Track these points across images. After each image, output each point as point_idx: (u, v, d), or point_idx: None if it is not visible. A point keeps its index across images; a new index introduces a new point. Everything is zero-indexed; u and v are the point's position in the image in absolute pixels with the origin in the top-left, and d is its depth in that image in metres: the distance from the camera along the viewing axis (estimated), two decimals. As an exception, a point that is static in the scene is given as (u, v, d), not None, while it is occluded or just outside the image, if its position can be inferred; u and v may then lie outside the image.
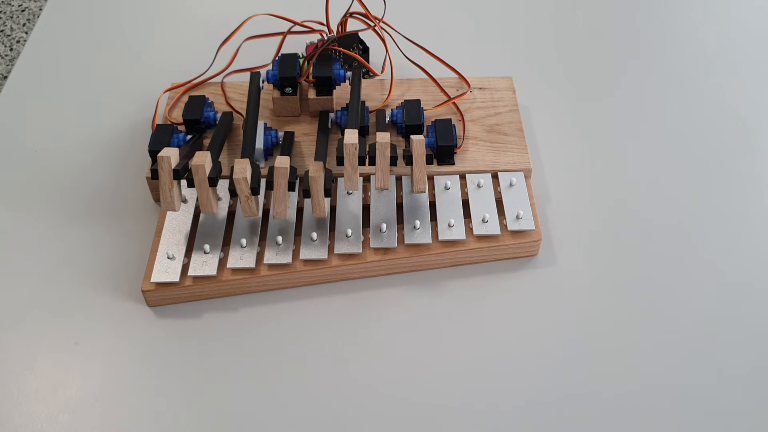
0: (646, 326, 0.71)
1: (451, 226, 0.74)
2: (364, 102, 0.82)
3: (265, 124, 0.80)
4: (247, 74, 0.85)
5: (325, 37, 0.85)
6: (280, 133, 0.80)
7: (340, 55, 0.86)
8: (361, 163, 0.70)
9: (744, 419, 0.65)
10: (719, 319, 0.71)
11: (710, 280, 0.74)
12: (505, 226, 0.75)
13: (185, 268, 0.71)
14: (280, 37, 0.86)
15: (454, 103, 0.84)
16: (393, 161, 0.71)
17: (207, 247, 0.72)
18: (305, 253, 0.72)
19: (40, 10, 2.26)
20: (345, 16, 0.84)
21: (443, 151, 0.78)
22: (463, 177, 0.78)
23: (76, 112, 0.90)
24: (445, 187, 0.77)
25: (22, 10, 2.26)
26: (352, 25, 0.85)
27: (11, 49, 2.14)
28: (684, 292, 0.73)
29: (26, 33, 2.20)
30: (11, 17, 2.24)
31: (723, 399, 0.66)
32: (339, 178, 0.78)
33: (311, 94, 0.82)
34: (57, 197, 0.80)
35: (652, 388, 0.67)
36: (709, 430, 0.64)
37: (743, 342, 0.70)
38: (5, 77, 2.02)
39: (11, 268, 0.75)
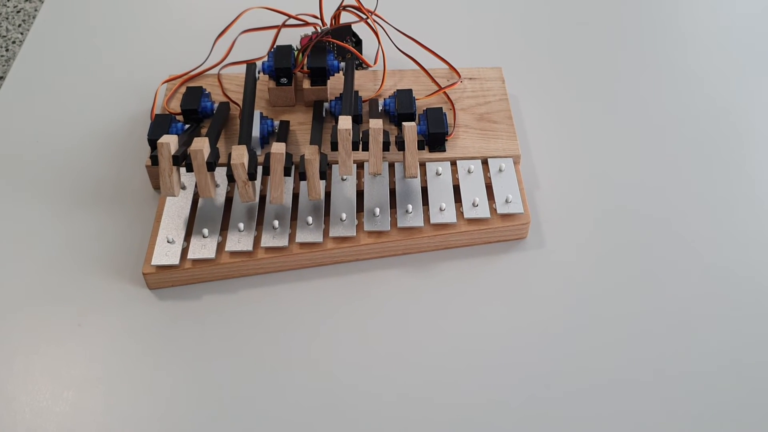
0: (633, 306, 0.73)
1: (443, 210, 0.76)
2: (357, 92, 0.85)
3: (261, 113, 0.82)
4: (243, 66, 0.88)
5: (319, 30, 0.87)
6: (276, 122, 0.83)
7: (334, 46, 0.89)
8: (355, 148, 0.73)
9: (730, 403, 0.67)
10: (707, 296, 0.73)
11: (695, 261, 0.76)
12: (495, 209, 0.77)
13: (185, 251, 0.74)
14: (275, 30, 0.88)
15: (445, 93, 0.87)
16: (386, 146, 0.74)
17: (206, 231, 0.74)
18: (301, 237, 0.74)
19: (36, 11, 2.27)
20: (338, 9, 0.87)
21: (434, 138, 0.80)
22: (453, 163, 0.81)
23: (77, 105, 0.92)
24: (436, 173, 0.79)
25: (18, 12, 2.28)
26: (346, 18, 0.88)
27: (7, 50, 2.16)
28: (670, 272, 0.76)
29: (21, 34, 2.21)
30: (6, 18, 2.25)
31: (710, 374, 0.68)
32: (334, 165, 0.80)
33: (306, 84, 0.84)
34: (60, 187, 0.82)
35: (639, 365, 0.69)
36: (696, 412, 0.66)
37: (733, 321, 0.72)
38: (2, 77, 2.04)
39: (17, 254, 0.77)
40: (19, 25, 2.23)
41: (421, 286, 0.75)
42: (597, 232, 0.79)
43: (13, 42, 2.18)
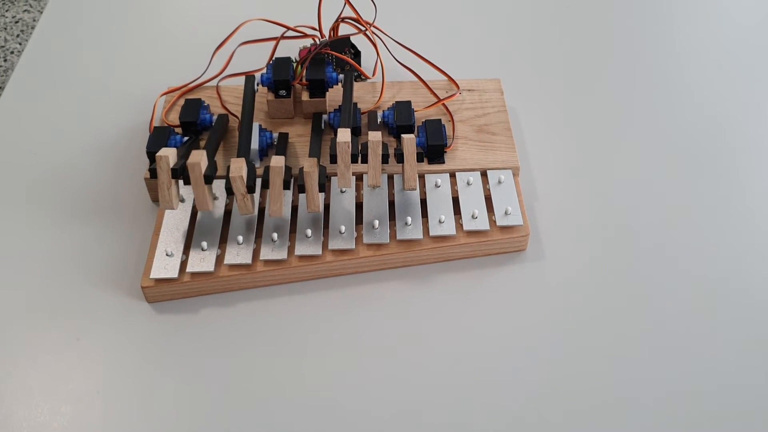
0: (633, 318, 0.73)
1: (442, 222, 0.76)
2: (356, 104, 0.85)
3: (260, 125, 0.82)
4: (242, 78, 0.88)
5: (318, 42, 0.87)
6: (275, 135, 0.82)
7: (333, 58, 0.89)
8: (354, 160, 0.73)
9: (728, 410, 0.67)
10: (705, 310, 0.73)
11: (695, 272, 0.76)
12: (494, 221, 0.77)
13: (183, 264, 0.73)
14: (273, 42, 0.88)
15: (443, 104, 0.87)
16: (385, 159, 0.74)
17: (204, 244, 0.74)
18: (300, 249, 0.74)
19: (34, 21, 2.28)
20: (337, 21, 0.87)
21: (434, 150, 0.80)
22: (453, 175, 0.81)
23: (75, 117, 0.92)
24: (435, 185, 0.79)
25: (16, 22, 2.28)
26: (344, 29, 0.88)
27: (5, 60, 2.16)
28: (669, 284, 0.75)
29: (20, 44, 2.22)
30: (5, 28, 2.26)
31: (709, 390, 0.68)
32: (333, 177, 0.80)
33: (305, 96, 0.84)
34: (58, 199, 0.82)
35: (638, 379, 0.69)
36: (695, 419, 0.66)
37: (730, 333, 0.72)
38: (0, 88, 2.04)
39: (15, 267, 0.76)
40: (18, 36, 2.24)
41: (421, 299, 0.74)
42: (597, 244, 0.79)
43: (12, 52, 2.18)
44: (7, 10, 2.31)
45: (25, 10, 2.31)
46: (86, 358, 0.70)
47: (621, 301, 0.74)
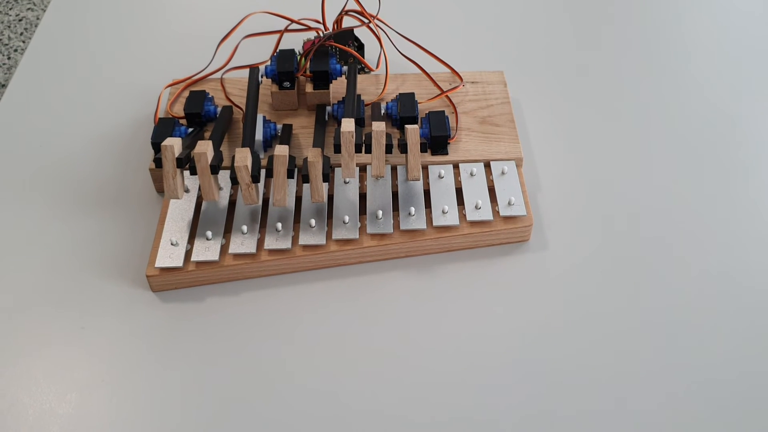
0: (636, 308, 0.73)
1: (445, 213, 0.76)
2: (359, 95, 0.85)
3: (264, 117, 0.82)
4: (246, 71, 0.88)
5: (322, 35, 0.87)
6: (279, 126, 0.83)
7: (337, 50, 0.89)
8: (358, 150, 0.73)
9: (730, 398, 0.67)
10: (707, 299, 0.74)
11: (698, 263, 0.77)
12: (498, 212, 0.77)
13: (188, 254, 0.74)
14: (277, 35, 0.88)
15: (447, 96, 0.87)
16: (388, 149, 0.74)
17: (209, 233, 0.74)
18: (304, 239, 0.74)
19: (38, 19, 2.28)
20: (341, 13, 0.87)
21: (437, 141, 0.81)
22: (456, 166, 0.81)
23: (80, 110, 0.92)
24: (439, 176, 0.79)
25: (20, 20, 2.29)
26: (348, 22, 0.88)
27: (9, 58, 2.16)
28: (672, 274, 0.76)
29: (23, 42, 2.22)
30: (8, 27, 2.26)
31: (711, 379, 0.68)
32: (336, 168, 0.80)
33: (308, 88, 0.84)
34: (64, 191, 0.83)
35: (641, 369, 0.69)
36: (699, 410, 0.66)
37: (732, 322, 0.72)
38: (3, 85, 2.05)
39: (21, 257, 0.77)
40: (21, 34, 2.24)
41: (424, 289, 0.75)
42: (600, 234, 0.79)
43: (15, 50, 2.19)
44: (11, 9, 2.32)
45: (28, 9, 2.32)
46: (91, 347, 0.70)
47: (624, 291, 0.74)
